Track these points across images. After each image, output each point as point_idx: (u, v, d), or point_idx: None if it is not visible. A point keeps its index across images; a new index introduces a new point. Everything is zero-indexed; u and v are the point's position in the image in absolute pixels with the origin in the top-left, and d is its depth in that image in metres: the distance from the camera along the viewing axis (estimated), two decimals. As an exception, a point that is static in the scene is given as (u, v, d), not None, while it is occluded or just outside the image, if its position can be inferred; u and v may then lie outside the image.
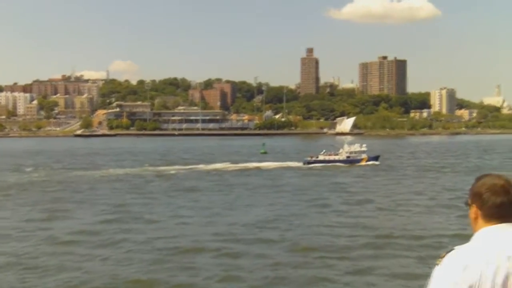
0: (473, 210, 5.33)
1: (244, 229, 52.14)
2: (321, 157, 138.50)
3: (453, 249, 4.93)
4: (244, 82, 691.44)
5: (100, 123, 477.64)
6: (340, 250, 42.45)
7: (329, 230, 51.34)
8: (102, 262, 39.36)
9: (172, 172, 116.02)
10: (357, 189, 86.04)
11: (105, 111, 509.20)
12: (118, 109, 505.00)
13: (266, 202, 70.55)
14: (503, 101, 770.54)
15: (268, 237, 48.03)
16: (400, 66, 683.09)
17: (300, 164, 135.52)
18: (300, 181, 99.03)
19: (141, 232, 50.69)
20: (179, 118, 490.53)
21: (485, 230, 5.15)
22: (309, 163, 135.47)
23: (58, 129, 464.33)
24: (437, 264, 4.94)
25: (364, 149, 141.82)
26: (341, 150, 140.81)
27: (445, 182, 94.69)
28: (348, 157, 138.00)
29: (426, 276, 4.03)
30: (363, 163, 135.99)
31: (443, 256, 4.92)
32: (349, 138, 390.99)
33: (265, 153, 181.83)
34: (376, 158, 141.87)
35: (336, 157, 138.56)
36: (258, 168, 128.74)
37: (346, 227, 52.27)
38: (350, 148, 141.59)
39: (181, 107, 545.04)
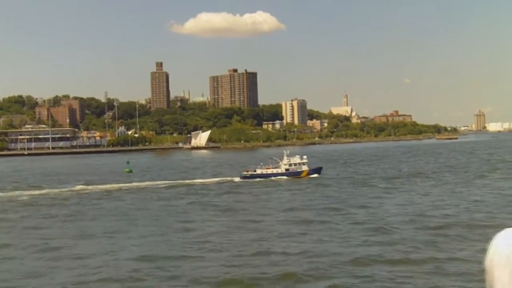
0: None
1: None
2: (258, 171, 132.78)
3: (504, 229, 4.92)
4: (92, 98, 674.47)
5: None
6: None
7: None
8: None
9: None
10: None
11: None
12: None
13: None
14: (351, 110, 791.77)
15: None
16: (251, 79, 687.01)
17: (236, 178, 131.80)
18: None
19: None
20: (28, 137, 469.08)
21: None
22: (246, 177, 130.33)
23: None
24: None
25: (304, 160, 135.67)
26: (280, 163, 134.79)
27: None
28: (287, 170, 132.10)
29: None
30: (303, 175, 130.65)
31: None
32: (204, 152, 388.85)
33: (130, 171, 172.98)
34: (318, 170, 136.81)
35: (275, 170, 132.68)
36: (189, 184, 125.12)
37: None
38: (289, 160, 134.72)
39: (29, 126, 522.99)
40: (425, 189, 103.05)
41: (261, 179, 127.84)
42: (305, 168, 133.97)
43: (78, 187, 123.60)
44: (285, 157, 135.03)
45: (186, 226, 68.49)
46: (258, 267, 46.66)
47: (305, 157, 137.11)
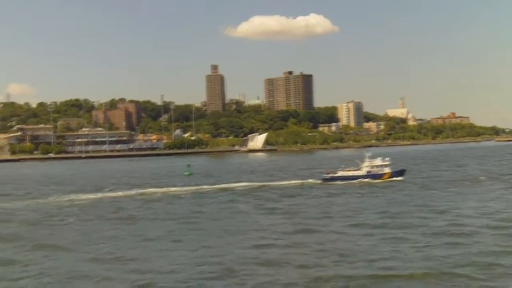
0: None
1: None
2: (339, 173, 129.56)
3: None
4: (148, 101, 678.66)
5: (1, 148, 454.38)
6: None
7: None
8: None
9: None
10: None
11: (6, 135, 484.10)
12: (19, 133, 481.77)
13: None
14: (408, 112, 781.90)
15: None
16: (306, 81, 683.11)
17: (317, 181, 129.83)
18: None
19: None
20: (85, 140, 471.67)
21: None
22: (327, 180, 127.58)
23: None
24: None
25: (386, 163, 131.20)
26: (361, 165, 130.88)
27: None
28: (369, 172, 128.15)
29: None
30: (385, 178, 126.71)
31: None
32: (261, 154, 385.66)
33: (190, 174, 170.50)
34: (400, 173, 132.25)
35: (356, 173, 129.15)
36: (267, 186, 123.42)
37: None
38: (371, 162, 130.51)
39: (86, 129, 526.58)
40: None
41: (342, 182, 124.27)
42: (387, 170, 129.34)
43: (151, 190, 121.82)
44: (366, 159, 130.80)
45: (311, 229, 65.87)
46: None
47: (387, 159, 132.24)
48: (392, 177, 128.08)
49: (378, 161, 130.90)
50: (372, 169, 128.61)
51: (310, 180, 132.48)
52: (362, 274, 46.23)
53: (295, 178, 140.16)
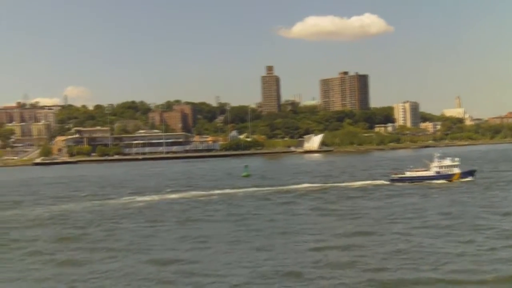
0: None
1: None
2: (407, 174, 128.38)
3: None
4: (204, 103, 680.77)
5: (60, 150, 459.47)
6: None
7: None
8: None
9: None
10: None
11: (64, 137, 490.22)
12: (77, 135, 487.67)
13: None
14: (465, 112, 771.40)
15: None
16: (362, 81, 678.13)
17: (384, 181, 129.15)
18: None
19: None
20: (141, 142, 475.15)
21: None
22: (394, 180, 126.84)
23: (16, 158, 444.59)
24: None
25: (456, 163, 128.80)
26: (430, 165, 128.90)
27: None
28: (438, 172, 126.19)
29: None
30: (455, 178, 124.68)
31: None
32: (317, 155, 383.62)
33: (248, 175, 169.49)
34: (470, 173, 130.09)
35: (425, 173, 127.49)
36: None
37: None
38: (440, 162, 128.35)
39: (142, 131, 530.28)
40: None
41: (411, 182, 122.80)
42: (456, 170, 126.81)
43: (208, 191, 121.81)
44: (435, 160, 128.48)
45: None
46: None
47: (457, 159, 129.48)
48: (462, 177, 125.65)
49: (447, 162, 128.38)
50: (441, 170, 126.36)
51: (378, 181, 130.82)
52: (429, 277, 44.72)
53: (360, 179, 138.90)
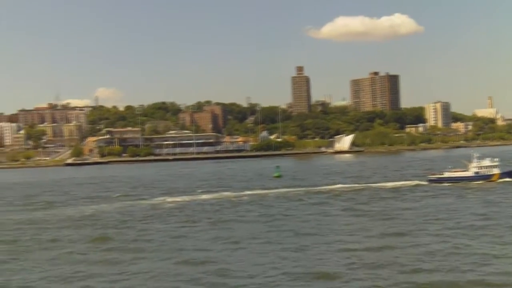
0: None
1: None
2: (446, 174, 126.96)
3: None
4: (234, 104, 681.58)
5: (91, 150, 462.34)
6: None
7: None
8: None
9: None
10: None
11: (95, 138, 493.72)
12: (108, 136, 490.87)
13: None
14: (496, 112, 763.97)
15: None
16: (392, 81, 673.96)
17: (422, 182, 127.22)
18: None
19: None
20: (172, 142, 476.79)
21: None
22: (432, 181, 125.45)
23: (47, 158, 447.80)
24: None
25: (496, 163, 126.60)
26: (469, 166, 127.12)
27: None
28: (476, 173, 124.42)
29: None
30: (494, 179, 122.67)
31: None
32: (348, 156, 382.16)
33: (279, 176, 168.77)
34: (510, 174, 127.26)
35: (463, 174, 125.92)
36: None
37: None
38: (479, 162, 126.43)
39: (172, 131, 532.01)
40: None
41: (449, 183, 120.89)
42: (496, 171, 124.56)
43: (240, 192, 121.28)
44: (474, 160, 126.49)
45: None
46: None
47: (496, 159, 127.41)
48: (501, 178, 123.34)
49: (486, 162, 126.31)
50: (481, 170, 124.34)
51: (413, 182, 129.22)
52: (466, 280, 43.91)
53: (396, 179, 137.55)
